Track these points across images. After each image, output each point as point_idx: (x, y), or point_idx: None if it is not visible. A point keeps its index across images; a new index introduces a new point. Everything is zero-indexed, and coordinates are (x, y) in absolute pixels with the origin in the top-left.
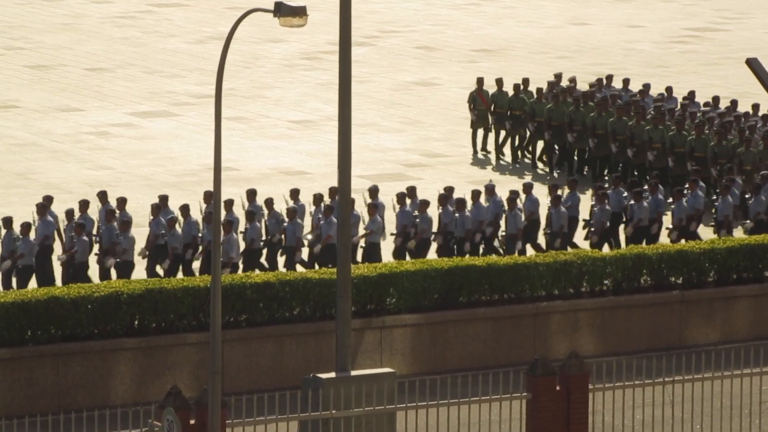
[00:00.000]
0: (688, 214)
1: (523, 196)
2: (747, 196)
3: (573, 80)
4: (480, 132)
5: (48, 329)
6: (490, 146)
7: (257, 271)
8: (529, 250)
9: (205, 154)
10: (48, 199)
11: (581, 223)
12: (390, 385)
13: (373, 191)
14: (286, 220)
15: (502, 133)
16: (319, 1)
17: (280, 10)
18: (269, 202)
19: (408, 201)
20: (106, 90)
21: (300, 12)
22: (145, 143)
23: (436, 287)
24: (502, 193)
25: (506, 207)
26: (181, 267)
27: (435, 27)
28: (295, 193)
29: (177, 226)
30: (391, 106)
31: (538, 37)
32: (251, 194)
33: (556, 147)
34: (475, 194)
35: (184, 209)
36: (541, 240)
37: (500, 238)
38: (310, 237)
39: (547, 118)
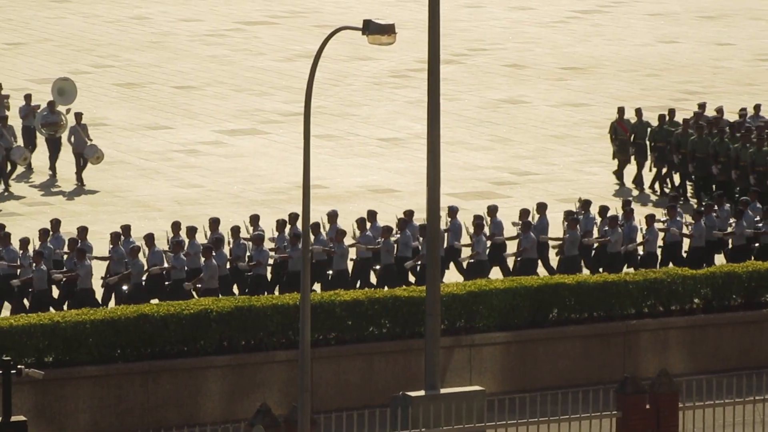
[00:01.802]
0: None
1: (488, 219)
2: None
3: (719, 110)
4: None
5: (138, 347)
6: (629, 176)
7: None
8: (496, 272)
9: (293, 172)
10: (55, 225)
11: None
12: (479, 403)
13: (332, 216)
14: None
15: (644, 163)
16: (407, 19)
17: (368, 28)
18: (235, 230)
19: (368, 225)
20: (195, 108)
21: (388, 30)
22: (234, 161)
23: (526, 305)
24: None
25: (472, 231)
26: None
27: (523, 45)
28: (255, 220)
29: (141, 255)
30: (479, 124)
31: (627, 54)
32: (214, 223)
33: (694, 178)
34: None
35: (149, 238)
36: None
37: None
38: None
39: (691, 149)
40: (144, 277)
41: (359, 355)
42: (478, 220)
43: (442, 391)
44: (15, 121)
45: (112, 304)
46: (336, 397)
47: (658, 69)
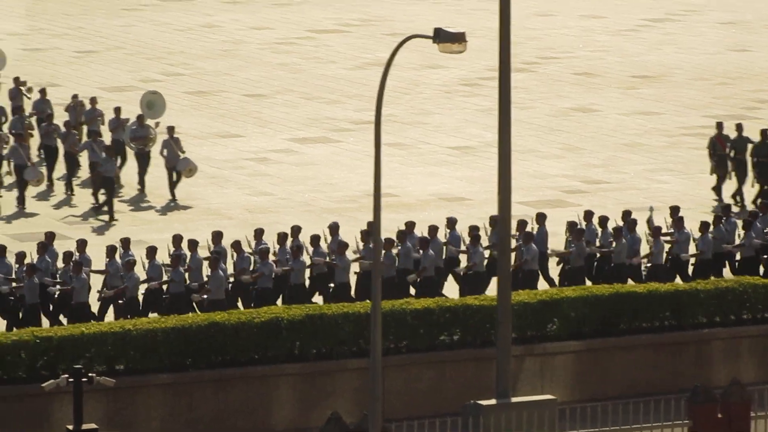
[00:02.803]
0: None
1: (489, 229)
2: None
3: None
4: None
5: (209, 355)
6: (728, 192)
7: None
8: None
9: (364, 180)
10: (50, 237)
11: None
12: (551, 412)
13: (334, 228)
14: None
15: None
16: (478, 27)
17: (439, 37)
18: (237, 245)
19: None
20: (266, 116)
21: (459, 38)
22: (305, 169)
23: (597, 314)
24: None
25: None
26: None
27: (594, 53)
28: (259, 234)
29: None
30: (550, 132)
31: (698, 63)
32: (217, 236)
33: None
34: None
35: (151, 251)
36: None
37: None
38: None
39: None
40: (142, 291)
41: (430, 364)
42: (474, 231)
43: (514, 399)
44: (91, 133)
45: (110, 317)
46: (407, 405)
47: (730, 77)
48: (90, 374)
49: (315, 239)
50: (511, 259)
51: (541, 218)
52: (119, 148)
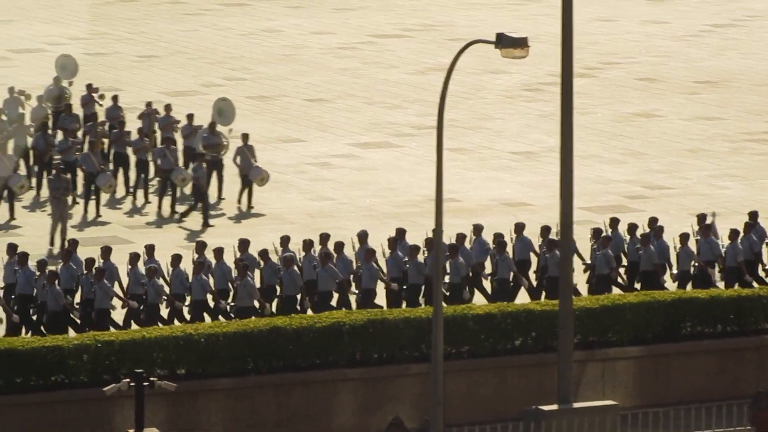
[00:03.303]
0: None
1: (513, 237)
2: None
3: None
4: None
5: (270, 359)
6: None
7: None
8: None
9: (426, 185)
10: (73, 244)
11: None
12: (612, 417)
13: (362, 236)
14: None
15: None
16: (540, 33)
17: (501, 42)
18: (263, 253)
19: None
20: (327, 121)
21: (521, 43)
22: (367, 174)
23: (659, 319)
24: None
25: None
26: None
27: (656, 58)
28: (285, 241)
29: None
30: (612, 138)
31: (762, 68)
32: (243, 244)
33: None
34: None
35: (176, 259)
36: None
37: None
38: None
39: None
40: (164, 298)
41: (492, 369)
42: (500, 239)
43: (575, 405)
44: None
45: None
46: (468, 410)
47: None
48: (151, 378)
49: (339, 246)
50: (572, 264)
51: (519, 228)
52: (192, 155)
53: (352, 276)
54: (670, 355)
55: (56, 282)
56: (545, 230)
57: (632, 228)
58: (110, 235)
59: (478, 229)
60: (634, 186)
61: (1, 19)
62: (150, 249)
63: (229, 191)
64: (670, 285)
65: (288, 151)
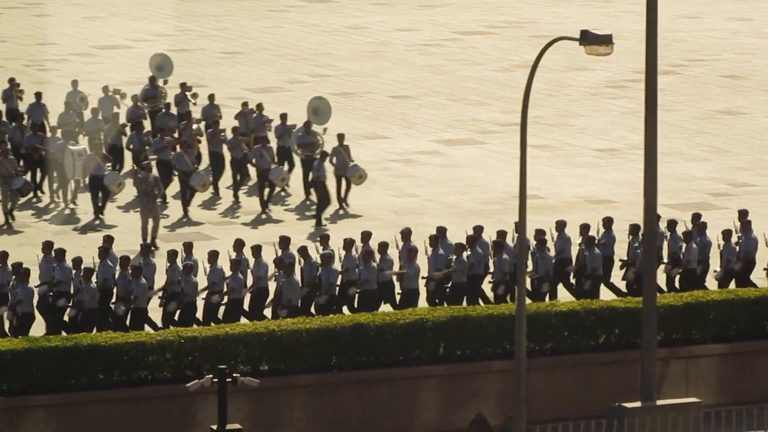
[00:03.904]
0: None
1: (554, 234)
2: None
3: None
4: None
5: (353, 356)
6: None
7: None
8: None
9: (510, 182)
10: (108, 240)
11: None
12: (695, 415)
13: (406, 234)
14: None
15: None
16: (624, 29)
17: (586, 39)
18: (303, 251)
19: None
20: (411, 117)
21: (606, 40)
22: (451, 171)
23: (743, 317)
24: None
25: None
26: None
27: (741, 56)
28: (325, 239)
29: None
30: (696, 135)
31: None
32: (284, 241)
33: None
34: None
35: (213, 255)
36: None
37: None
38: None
39: None
40: (203, 296)
41: (575, 366)
42: (540, 236)
43: (658, 402)
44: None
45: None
46: (551, 407)
47: None
48: (234, 374)
49: (383, 246)
50: (656, 261)
51: (560, 226)
52: (286, 154)
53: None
54: (754, 352)
55: (92, 279)
56: (584, 228)
57: (672, 224)
58: (197, 232)
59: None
60: (718, 183)
61: (88, 15)
62: (188, 247)
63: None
64: (711, 283)
65: (372, 147)
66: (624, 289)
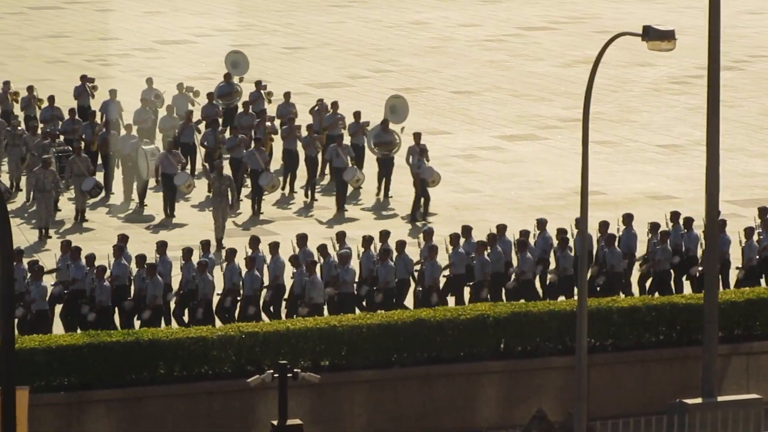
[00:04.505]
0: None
1: (574, 232)
2: None
3: None
4: None
5: (414, 351)
6: None
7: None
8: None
9: (571, 178)
10: (123, 239)
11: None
12: (757, 411)
13: (428, 234)
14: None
15: None
16: (687, 25)
17: (648, 34)
18: (322, 248)
19: (462, 241)
20: (474, 113)
21: (668, 36)
22: (513, 166)
23: None
24: None
25: (556, 245)
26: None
27: None
28: (341, 237)
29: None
30: (759, 131)
31: None
32: (301, 239)
33: None
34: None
35: (230, 253)
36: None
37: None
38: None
39: None
40: (219, 292)
41: (636, 362)
42: (563, 234)
43: (719, 398)
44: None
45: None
46: (612, 403)
47: None
48: (295, 370)
49: (401, 244)
50: (717, 257)
51: (675, 217)
52: (359, 153)
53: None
54: None
55: (105, 277)
56: (603, 225)
57: (688, 222)
58: (268, 230)
59: (542, 224)
60: None
61: (150, 10)
62: (205, 245)
63: (401, 191)
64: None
65: (434, 143)
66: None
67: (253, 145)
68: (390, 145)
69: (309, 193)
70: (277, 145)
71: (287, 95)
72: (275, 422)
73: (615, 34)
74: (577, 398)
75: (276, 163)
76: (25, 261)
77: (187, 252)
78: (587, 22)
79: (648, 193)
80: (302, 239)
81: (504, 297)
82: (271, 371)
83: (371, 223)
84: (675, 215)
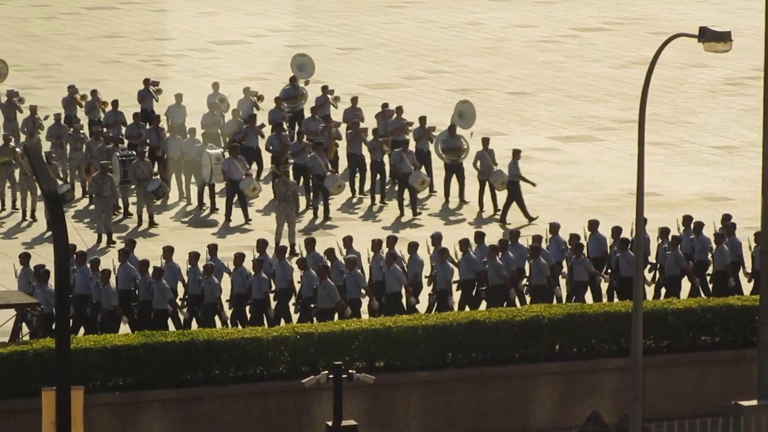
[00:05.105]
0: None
1: (588, 234)
2: None
3: None
4: None
5: (469, 352)
6: None
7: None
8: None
9: (627, 179)
10: (130, 244)
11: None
12: None
13: (437, 239)
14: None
15: None
16: (743, 26)
17: (704, 35)
18: (330, 252)
19: (474, 247)
20: (529, 114)
21: (725, 37)
22: (568, 168)
23: None
24: None
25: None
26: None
27: None
28: (348, 242)
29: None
30: None
31: None
32: (310, 243)
33: None
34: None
35: (239, 258)
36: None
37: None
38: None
39: None
40: (229, 297)
41: (691, 364)
42: (575, 240)
43: None
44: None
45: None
46: (667, 405)
47: None
48: (350, 370)
49: (413, 246)
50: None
51: (686, 221)
52: (424, 158)
53: (425, 277)
54: None
55: (110, 281)
56: (616, 231)
57: (698, 227)
58: (333, 235)
59: (554, 228)
60: None
61: (205, 10)
62: (213, 248)
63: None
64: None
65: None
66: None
67: (314, 149)
68: (458, 151)
69: (374, 197)
70: (343, 149)
71: (354, 100)
72: (330, 423)
73: (671, 35)
74: (633, 400)
75: (341, 167)
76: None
77: (194, 256)
78: (643, 23)
79: (703, 195)
80: (310, 243)
81: (517, 302)
82: (326, 372)
83: (435, 227)
84: (687, 219)
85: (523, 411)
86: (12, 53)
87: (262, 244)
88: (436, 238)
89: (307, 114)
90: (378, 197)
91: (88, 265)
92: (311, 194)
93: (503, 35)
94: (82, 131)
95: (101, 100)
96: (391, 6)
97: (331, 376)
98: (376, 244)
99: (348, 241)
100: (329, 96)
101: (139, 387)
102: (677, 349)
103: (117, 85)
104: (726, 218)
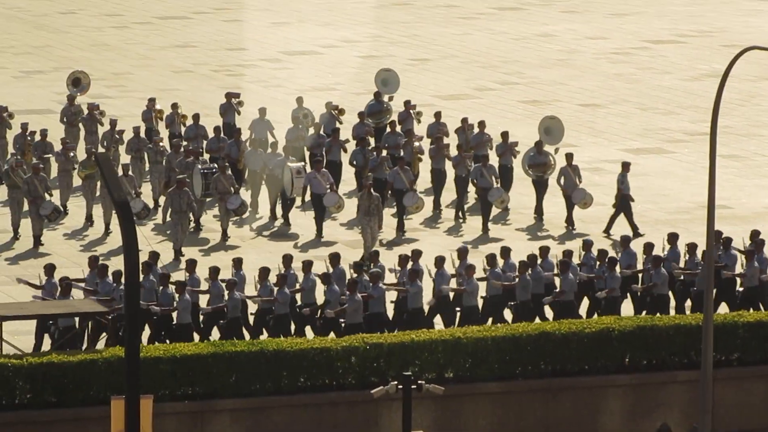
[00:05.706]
0: None
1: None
2: None
3: None
4: None
5: (538, 364)
6: None
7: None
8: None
9: (698, 192)
10: (154, 257)
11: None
12: None
13: (463, 252)
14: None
15: None
16: None
17: None
18: (357, 266)
19: (501, 262)
20: (600, 126)
21: None
22: (639, 180)
23: None
24: None
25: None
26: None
27: None
28: (375, 255)
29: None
30: None
31: None
32: (334, 258)
33: None
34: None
35: (264, 272)
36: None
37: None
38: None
39: None
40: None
41: (762, 377)
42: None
43: None
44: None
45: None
46: (737, 418)
47: None
48: (419, 381)
49: (440, 260)
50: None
51: (673, 239)
52: (506, 173)
53: (451, 293)
54: None
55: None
56: (648, 247)
57: (727, 242)
58: (414, 249)
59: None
60: None
61: (276, 21)
62: (237, 262)
63: (557, 213)
64: None
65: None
66: None
67: (396, 164)
68: (544, 167)
69: (458, 212)
70: (426, 164)
71: (438, 114)
72: None
73: (743, 48)
74: (702, 412)
75: (424, 183)
76: (57, 276)
77: (214, 271)
78: (714, 35)
79: None
80: (335, 258)
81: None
82: (395, 383)
83: (516, 243)
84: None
85: (592, 423)
86: (85, 62)
87: (287, 260)
88: (462, 252)
89: (388, 129)
90: (459, 212)
91: (110, 277)
92: (398, 212)
93: (575, 47)
94: (162, 144)
95: (181, 114)
96: (462, 17)
97: (400, 386)
98: (403, 260)
99: (374, 255)
100: (412, 111)
101: (208, 396)
102: (747, 362)
103: (188, 95)
104: (755, 234)
